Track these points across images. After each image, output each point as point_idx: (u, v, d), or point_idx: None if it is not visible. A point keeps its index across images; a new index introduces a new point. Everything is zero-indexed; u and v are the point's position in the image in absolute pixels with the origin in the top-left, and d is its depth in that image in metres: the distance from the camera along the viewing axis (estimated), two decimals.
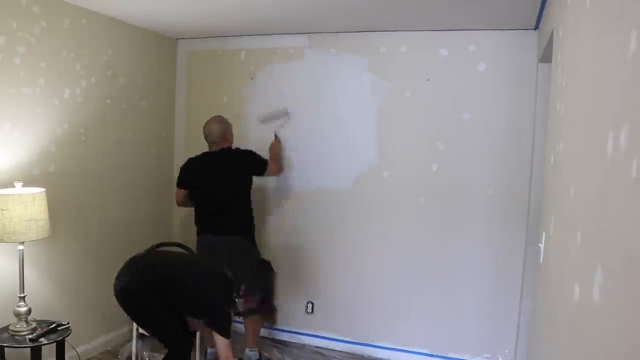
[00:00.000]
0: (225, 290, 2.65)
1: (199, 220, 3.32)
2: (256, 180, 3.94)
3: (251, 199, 3.37)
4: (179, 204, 3.49)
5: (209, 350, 3.38)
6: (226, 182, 3.23)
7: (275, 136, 3.68)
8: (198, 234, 3.32)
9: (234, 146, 3.36)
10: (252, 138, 3.86)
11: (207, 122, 3.32)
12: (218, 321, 2.63)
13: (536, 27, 3.10)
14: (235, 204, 3.26)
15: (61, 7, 2.96)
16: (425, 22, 3.19)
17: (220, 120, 3.33)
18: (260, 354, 3.39)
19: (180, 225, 4.14)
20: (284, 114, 3.70)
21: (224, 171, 3.24)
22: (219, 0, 2.89)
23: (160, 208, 4.00)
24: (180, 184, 3.37)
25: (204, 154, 3.33)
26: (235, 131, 3.89)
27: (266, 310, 3.36)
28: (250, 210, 3.35)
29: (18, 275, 2.59)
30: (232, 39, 3.86)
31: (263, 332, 3.90)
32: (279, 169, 3.55)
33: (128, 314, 2.64)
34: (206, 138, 3.30)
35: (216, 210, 3.24)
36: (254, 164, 3.33)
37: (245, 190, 3.33)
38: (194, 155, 3.36)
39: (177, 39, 4.04)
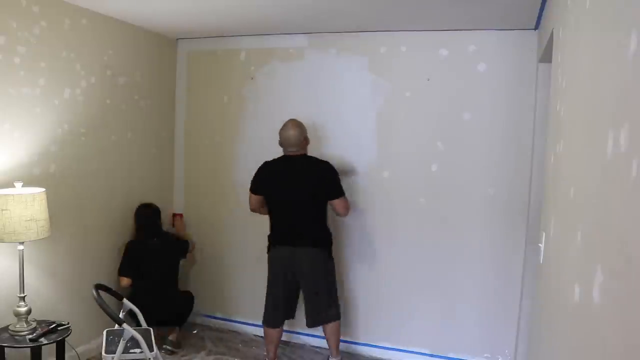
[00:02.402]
0: None
1: (273, 230, 3.19)
2: None
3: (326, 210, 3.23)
4: (253, 210, 3.29)
5: None
6: (305, 192, 3.08)
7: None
8: (271, 245, 3.20)
9: (311, 152, 3.22)
10: (251, 138, 3.87)
11: (284, 128, 3.13)
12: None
13: (536, 27, 3.10)
14: (313, 214, 3.12)
15: (61, 7, 2.96)
16: (425, 22, 3.19)
17: (296, 124, 3.13)
18: None
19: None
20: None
21: (303, 179, 3.09)
22: (219, 0, 2.89)
23: (161, 208, 3.99)
24: (255, 189, 3.18)
25: (283, 158, 3.15)
26: (235, 132, 3.92)
27: (337, 317, 3.25)
28: (326, 221, 3.22)
29: (18, 275, 2.59)
30: (232, 39, 3.86)
31: (263, 332, 3.90)
32: (345, 213, 3.21)
33: None
34: (283, 144, 3.13)
35: (294, 220, 3.11)
36: (330, 187, 3.10)
37: (323, 201, 3.15)
38: (270, 159, 3.20)
39: (177, 39, 4.04)
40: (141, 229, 3.57)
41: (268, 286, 3.25)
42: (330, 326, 3.23)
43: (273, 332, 3.25)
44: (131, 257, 3.46)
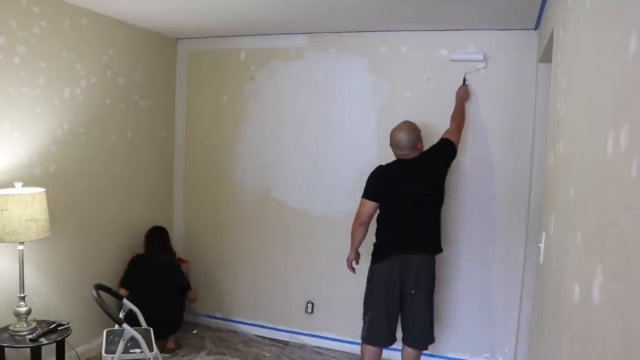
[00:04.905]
0: None
1: (390, 238, 2.91)
2: (256, 179, 3.95)
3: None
4: (363, 222, 2.93)
5: None
6: (426, 192, 2.87)
7: (464, 81, 3.29)
8: (385, 255, 2.88)
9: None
10: (251, 138, 3.87)
11: (396, 129, 2.93)
12: None
13: (536, 27, 3.10)
14: (434, 217, 2.94)
15: (61, 7, 2.96)
16: (425, 22, 3.19)
17: (410, 127, 2.92)
18: None
19: (180, 225, 4.14)
20: (479, 59, 3.25)
21: (422, 178, 2.87)
22: (218, 0, 2.89)
23: (161, 208, 4.00)
24: (372, 195, 2.90)
25: (397, 162, 2.96)
26: (234, 132, 3.92)
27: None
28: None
29: (18, 275, 2.59)
30: (232, 39, 3.86)
31: (262, 332, 3.91)
32: (459, 127, 3.10)
33: None
34: (394, 147, 2.94)
35: (416, 224, 2.87)
36: (442, 151, 2.96)
37: (442, 197, 2.97)
38: (384, 163, 3.00)
39: (177, 39, 4.04)
40: (150, 248, 3.61)
41: (374, 303, 2.92)
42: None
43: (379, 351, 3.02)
44: (134, 269, 3.48)
